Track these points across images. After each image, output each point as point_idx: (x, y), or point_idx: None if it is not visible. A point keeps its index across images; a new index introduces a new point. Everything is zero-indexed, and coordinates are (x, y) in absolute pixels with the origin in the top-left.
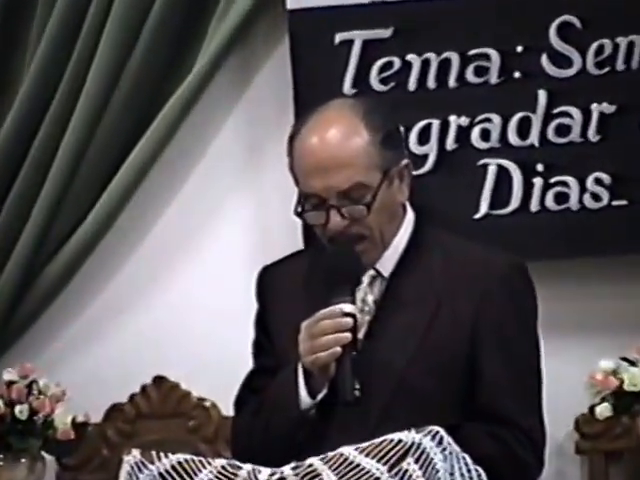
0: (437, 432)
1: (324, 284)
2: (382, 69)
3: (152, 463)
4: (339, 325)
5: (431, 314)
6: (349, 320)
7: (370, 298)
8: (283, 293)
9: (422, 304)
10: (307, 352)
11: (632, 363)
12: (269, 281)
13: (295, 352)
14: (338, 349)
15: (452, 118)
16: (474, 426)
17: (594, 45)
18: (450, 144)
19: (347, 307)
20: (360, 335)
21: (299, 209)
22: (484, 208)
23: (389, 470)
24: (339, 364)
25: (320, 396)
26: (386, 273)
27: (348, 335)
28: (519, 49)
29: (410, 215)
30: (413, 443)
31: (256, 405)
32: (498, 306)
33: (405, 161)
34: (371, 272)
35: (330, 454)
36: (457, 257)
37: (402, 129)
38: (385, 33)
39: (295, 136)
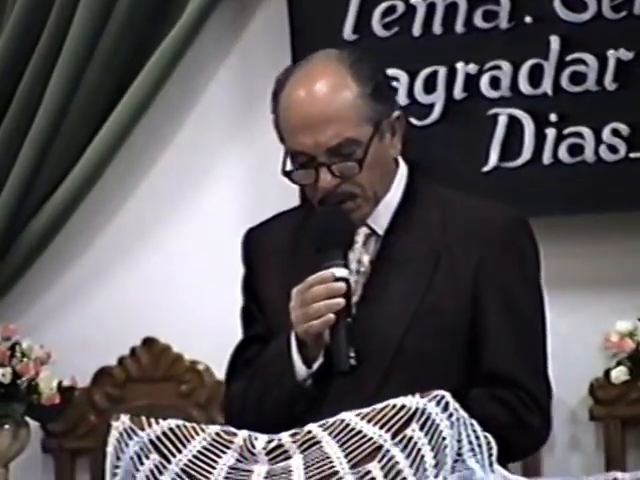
0: (443, 397)
1: (314, 248)
2: (385, 13)
3: (142, 429)
4: (331, 291)
5: (429, 273)
6: (342, 285)
7: (366, 258)
8: (271, 256)
9: (420, 262)
10: (299, 320)
11: None
12: (255, 244)
13: (286, 317)
14: (331, 316)
15: (460, 65)
16: (478, 390)
17: None
18: (458, 93)
19: (339, 271)
20: (356, 298)
21: (287, 168)
22: (493, 160)
23: (392, 437)
24: (332, 332)
25: (316, 365)
26: (380, 231)
27: (341, 301)
28: None
29: (403, 169)
30: (417, 409)
31: (249, 377)
32: (499, 263)
33: (396, 113)
34: (365, 230)
35: (330, 420)
36: (454, 211)
37: (406, 77)
38: None
39: (279, 91)
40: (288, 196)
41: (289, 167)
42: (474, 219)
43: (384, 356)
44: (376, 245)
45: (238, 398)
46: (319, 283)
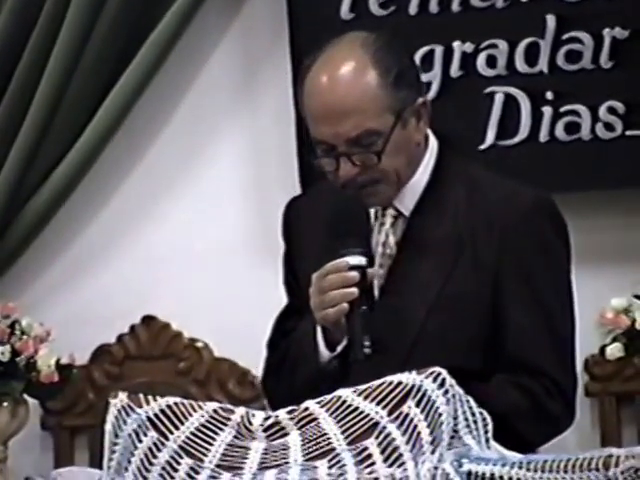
0: (439, 374)
1: (333, 234)
2: None
3: (140, 407)
4: (345, 280)
5: (454, 255)
6: (355, 274)
7: (392, 240)
8: (307, 230)
9: (444, 245)
10: (317, 307)
11: None
12: (294, 216)
13: None
14: (345, 305)
15: (456, 44)
16: (500, 376)
17: None
18: (454, 71)
19: (353, 260)
20: (381, 280)
21: (312, 154)
22: (490, 138)
23: (389, 414)
24: (348, 320)
25: (340, 348)
26: (407, 212)
27: (354, 291)
28: None
29: (433, 147)
30: (414, 385)
31: (283, 351)
32: (521, 248)
33: (421, 99)
34: (392, 212)
35: (327, 397)
36: (480, 192)
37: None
38: None
39: (305, 75)
40: (287, 170)
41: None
42: (497, 203)
43: (406, 340)
44: (403, 226)
45: (274, 369)
46: (334, 271)
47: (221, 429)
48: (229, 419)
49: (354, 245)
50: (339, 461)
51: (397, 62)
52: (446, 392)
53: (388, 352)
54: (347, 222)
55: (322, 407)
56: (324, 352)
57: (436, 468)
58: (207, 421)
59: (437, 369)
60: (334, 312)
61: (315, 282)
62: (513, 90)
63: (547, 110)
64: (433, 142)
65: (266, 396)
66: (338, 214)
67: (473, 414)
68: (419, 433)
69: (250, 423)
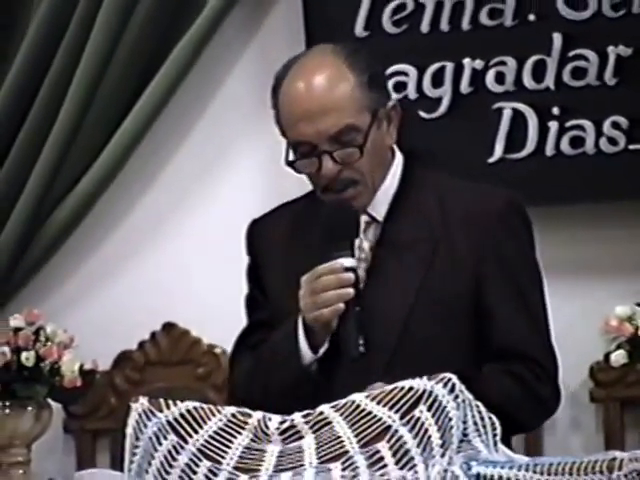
0: (449, 379)
1: (322, 238)
2: (395, 11)
3: (160, 411)
4: (341, 281)
5: (429, 254)
6: (351, 275)
7: (366, 245)
8: (273, 245)
9: (420, 246)
10: (309, 308)
11: None
12: (259, 234)
13: (291, 304)
14: (341, 305)
15: (466, 61)
16: (490, 365)
17: None
18: (464, 87)
19: (348, 262)
20: (361, 284)
21: (289, 158)
22: (499, 152)
23: (401, 418)
24: (342, 320)
25: (322, 350)
26: (380, 217)
27: (351, 291)
28: None
29: (399, 158)
30: (425, 390)
31: (255, 360)
32: (499, 244)
33: (392, 102)
34: (365, 218)
35: (341, 402)
36: (451, 197)
37: (416, 72)
38: None
39: (278, 86)
40: (302, 185)
41: (292, 157)
42: (472, 204)
43: (389, 340)
44: (376, 232)
45: (242, 383)
46: (329, 273)
47: (238, 432)
48: (246, 423)
49: (346, 248)
50: (352, 464)
51: (368, 66)
52: (456, 397)
53: (373, 351)
54: (339, 227)
55: (336, 411)
56: (307, 354)
57: (446, 471)
58: (225, 425)
59: (448, 375)
60: (329, 312)
61: (306, 285)
62: (521, 105)
63: (553, 125)
64: (398, 154)
65: (235, 404)
66: (330, 219)
67: (482, 418)
68: (430, 437)
69: (266, 427)
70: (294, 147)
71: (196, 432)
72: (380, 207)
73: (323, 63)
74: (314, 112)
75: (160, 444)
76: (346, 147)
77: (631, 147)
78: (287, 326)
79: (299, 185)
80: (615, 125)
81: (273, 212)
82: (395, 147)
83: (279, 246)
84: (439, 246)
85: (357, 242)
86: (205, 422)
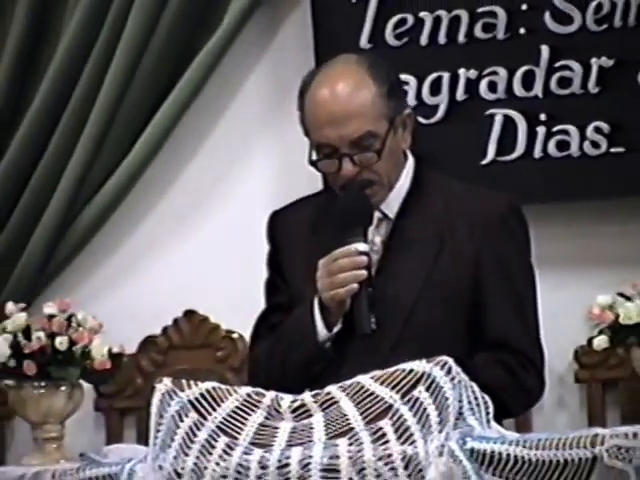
0: (446, 362)
1: (338, 226)
2: (396, 25)
3: (182, 391)
4: (355, 263)
5: (435, 251)
6: (364, 258)
7: (378, 239)
8: (293, 235)
9: (426, 242)
10: (326, 288)
11: (627, 298)
12: (280, 224)
13: (308, 289)
14: (355, 285)
15: (461, 71)
16: (483, 355)
17: (593, 3)
18: (460, 95)
19: (361, 246)
20: (372, 274)
21: (312, 158)
22: (491, 154)
23: (402, 398)
24: (355, 299)
25: (336, 329)
26: (392, 215)
27: (364, 272)
28: (524, 7)
29: (411, 161)
30: (424, 372)
31: (272, 340)
32: (499, 245)
33: (408, 110)
34: (377, 214)
35: (347, 382)
36: (457, 198)
37: (415, 81)
38: None
39: (305, 91)
40: (313, 183)
41: (314, 157)
42: (475, 206)
43: (396, 323)
44: (387, 227)
45: (263, 359)
46: (344, 256)
47: (253, 411)
48: (260, 402)
49: (359, 234)
50: (358, 439)
51: (388, 76)
52: (452, 379)
53: (382, 332)
54: (355, 214)
55: (343, 391)
56: (322, 332)
57: (443, 446)
58: (241, 404)
59: (445, 358)
60: (344, 291)
61: (323, 267)
62: (511, 112)
63: (541, 130)
64: (410, 157)
65: (254, 379)
66: (347, 208)
67: (476, 398)
68: (428, 415)
69: (279, 405)
70: (317, 148)
71: (215, 410)
72: (392, 205)
73: (347, 72)
74: (338, 117)
75: (182, 421)
76: (365, 151)
77: (612, 150)
78: (303, 308)
79: (307, 183)
80: (598, 130)
81: (294, 204)
82: (408, 151)
83: (300, 235)
84: (444, 244)
85: (369, 236)
86: (223, 401)
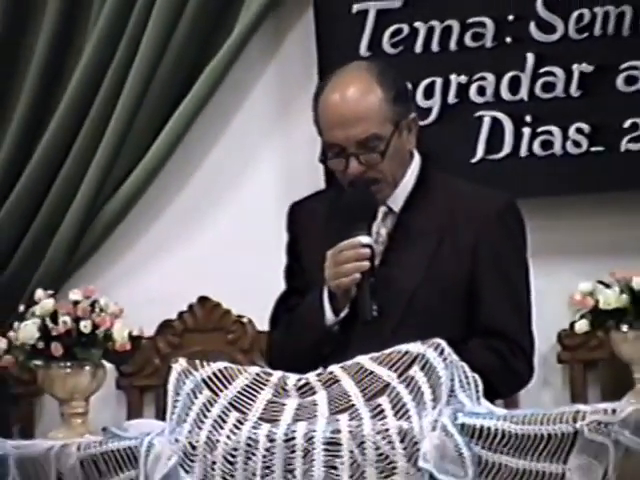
0: (439, 344)
1: (344, 220)
2: (393, 35)
3: (196, 370)
4: (358, 255)
5: (436, 244)
6: (367, 250)
7: (383, 231)
8: (310, 226)
9: (428, 236)
10: (332, 277)
11: (607, 286)
12: (298, 215)
13: (321, 276)
14: (357, 275)
15: (453, 77)
16: (476, 341)
17: (575, 14)
18: (451, 99)
19: (365, 239)
20: (376, 262)
21: (323, 157)
22: (480, 153)
23: (398, 377)
24: (359, 288)
25: (343, 314)
26: (397, 209)
27: (366, 264)
28: (510, 17)
29: (417, 160)
30: (419, 354)
31: (288, 322)
32: (495, 240)
33: (413, 115)
34: (383, 209)
35: (348, 363)
36: (458, 195)
37: (410, 86)
38: (395, 4)
39: (319, 94)
40: (315, 183)
41: (325, 156)
42: (475, 203)
43: (397, 309)
44: (393, 221)
45: (279, 339)
46: (349, 248)
47: (262, 388)
48: (268, 380)
49: (363, 228)
50: (358, 415)
51: (395, 83)
52: (445, 359)
53: (384, 317)
54: (360, 210)
55: (344, 371)
56: (330, 316)
57: (436, 421)
58: (251, 382)
59: (438, 341)
60: (348, 280)
61: (330, 257)
62: (499, 114)
63: (526, 130)
64: (417, 156)
65: (271, 364)
66: (353, 203)
67: (467, 377)
68: (422, 393)
69: (285, 384)
70: (327, 147)
71: (226, 388)
72: (398, 201)
73: (357, 78)
74: (346, 120)
75: (196, 398)
76: (370, 152)
77: (592, 149)
78: (314, 294)
79: (309, 182)
80: (579, 130)
81: (311, 197)
82: (415, 150)
83: (316, 226)
84: (445, 238)
85: (376, 228)
86: (234, 380)
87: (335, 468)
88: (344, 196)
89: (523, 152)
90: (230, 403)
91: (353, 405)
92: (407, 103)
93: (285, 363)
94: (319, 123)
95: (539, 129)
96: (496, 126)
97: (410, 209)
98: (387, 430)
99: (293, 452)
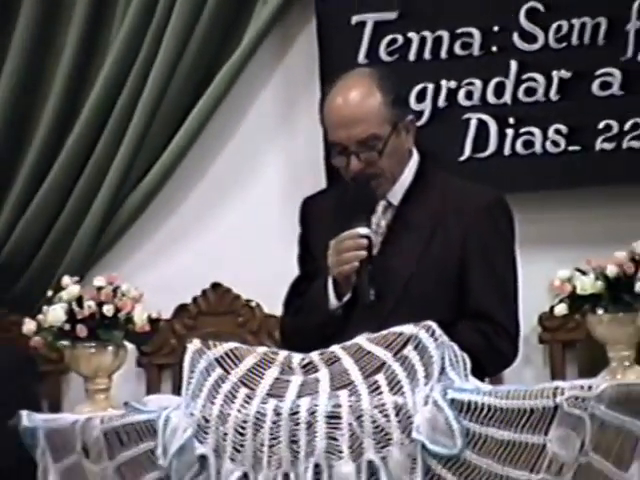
0: (431, 326)
1: (347, 212)
2: (389, 44)
3: (209, 350)
4: (357, 245)
5: (430, 235)
6: (365, 241)
7: (383, 223)
8: (319, 219)
9: (423, 227)
10: (334, 265)
11: (583, 273)
12: (309, 209)
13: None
14: (356, 264)
15: (443, 82)
16: (464, 323)
17: (554, 25)
18: (441, 102)
19: (363, 230)
20: (375, 251)
21: (329, 155)
22: (467, 152)
23: (393, 356)
24: (358, 275)
25: (345, 299)
26: (396, 202)
27: (364, 253)
28: (495, 28)
29: (415, 158)
30: (412, 334)
31: (298, 306)
32: (483, 231)
33: (411, 117)
34: (384, 202)
35: (348, 343)
36: (452, 191)
37: (404, 90)
38: (391, 16)
39: (326, 97)
40: (317, 181)
41: (331, 154)
42: (466, 198)
43: (394, 294)
44: (392, 213)
45: (290, 321)
46: (349, 238)
47: (269, 367)
48: (275, 359)
49: (363, 220)
50: (356, 391)
51: (394, 87)
52: (436, 340)
53: (381, 301)
54: (360, 203)
55: (344, 350)
56: (333, 301)
57: (428, 396)
58: (259, 361)
59: (430, 323)
60: (349, 268)
61: (333, 247)
62: (485, 116)
63: (510, 131)
64: (416, 154)
65: (284, 343)
66: (354, 197)
67: (456, 356)
68: (416, 370)
69: (291, 362)
70: (332, 146)
71: (236, 366)
72: (397, 195)
73: (359, 83)
74: (348, 121)
75: (209, 375)
76: (370, 151)
77: (570, 148)
78: (320, 281)
79: (312, 184)
80: (557, 131)
81: (322, 192)
82: (414, 149)
83: (325, 219)
84: (438, 229)
85: (377, 220)
86: (243, 358)
87: (336, 439)
88: (345, 191)
89: (507, 151)
90: (240, 380)
91: (352, 382)
92: (405, 106)
93: (295, 343)
94: (325, 124)
95: (521, 130)
96: (482, 127)
97: (408, 203)
98: (383, 405)
99: (297, 425)
